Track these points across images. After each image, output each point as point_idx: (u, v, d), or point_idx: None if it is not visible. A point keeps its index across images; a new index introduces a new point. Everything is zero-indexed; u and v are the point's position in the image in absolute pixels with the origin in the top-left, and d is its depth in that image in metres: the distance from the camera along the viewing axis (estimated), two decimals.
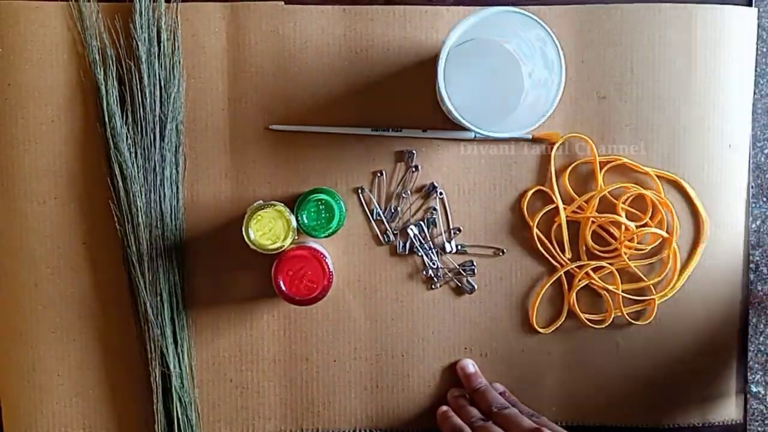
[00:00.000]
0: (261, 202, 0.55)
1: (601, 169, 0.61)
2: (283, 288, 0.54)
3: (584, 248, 0.61)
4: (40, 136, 0.58)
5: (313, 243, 0.58)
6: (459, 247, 0.61)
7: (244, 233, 0.53)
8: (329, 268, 0.54)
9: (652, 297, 0.61)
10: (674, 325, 0.62)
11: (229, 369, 0.61)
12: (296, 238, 0.55)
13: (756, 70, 0.62)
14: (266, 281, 0.60)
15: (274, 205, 0.54)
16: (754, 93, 0.63)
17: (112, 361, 0.60)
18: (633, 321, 0.62)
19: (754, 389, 0.65)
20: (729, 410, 0.63)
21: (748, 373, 0.64)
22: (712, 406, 0.63)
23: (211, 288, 0.60)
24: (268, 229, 0.54)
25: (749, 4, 0.61)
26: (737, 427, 0.64)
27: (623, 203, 0.60)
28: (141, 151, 0.57)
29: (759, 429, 0.68)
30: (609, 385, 0.62)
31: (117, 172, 0.57)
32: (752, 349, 0.65)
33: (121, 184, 0.57)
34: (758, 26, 0.62)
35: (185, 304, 0.59)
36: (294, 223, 0.54)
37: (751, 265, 0.64)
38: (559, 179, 0.61)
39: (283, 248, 0.54)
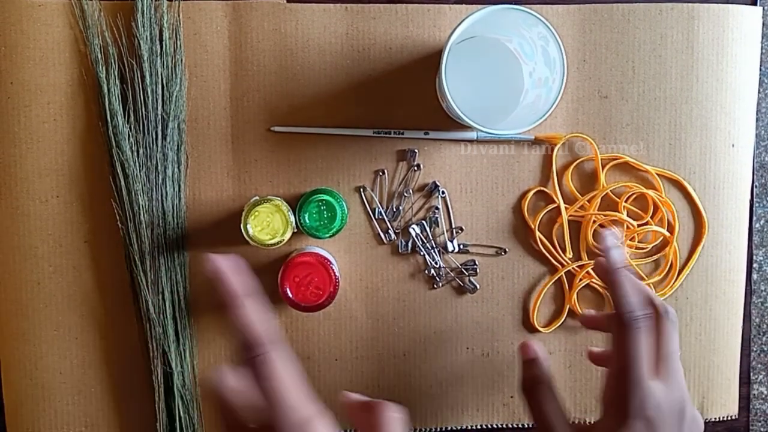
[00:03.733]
0: (257, 197, 0.55)
1: (603, 167, 0.61)
2: (290, 295, 0.54)
3: (585, 247, 0.61)
4: (42, 135, 0.58)
5: (319, 249, 0.58)
6: (461, 246, 0.61)
7: (242, 229, 0.53)
8: (336, 275, 0.54)
9: None
10: None
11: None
12: (294, 231, 0.55)
13: (760, 69, 0.62)
14: (268, 279, 0.60)
15: (271, 200, 0.54)
16: (759, 92, 0.62)
17: (114, 360, 0.60)
18: None
19: (757, 389, 0.65)
20: (730, 408, 0.63)
21: (751, 373, 0.64)
22: (712, 403, 0.63)
23: (214, 287, 0.60)
24: (266, 224, 0.54)
25: (754, 3, 0.61)
26: (738, 425, 0.64)
27: (625, 202, 0.60)
28: (143, 149, 0.57)
29: (762, 429, 0.68)
30: None
31: (119, 170, 0.57)
32: (755, 349, 0.65)
33: (123, 182, 0.57)
34: (763, 25, 0.61)
35: (187, 302, 0.60)
36: (292, 218, 0.54)
37: (755, 265, 0.64)
38: (561, 179, 0.61)
39: (282, 242, 0.54)
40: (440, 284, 0.61)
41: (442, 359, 0.62)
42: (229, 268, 0.38)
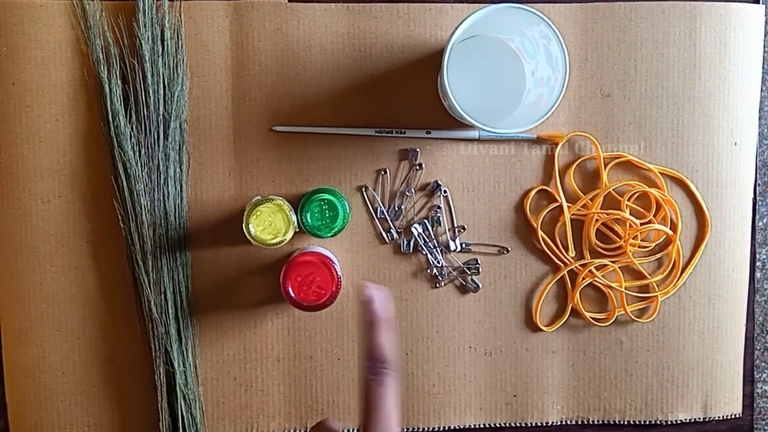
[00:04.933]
0: (259, 197, 0.55)
1: (605, 166, 0.60)
2: (292, 294, 0.53)
3: (588, 246, 0.61)
4: (44, 135, 0.58)
5: (321, 248, 0.58)
6: (463, 245, 0.61)
7: (244, 229, 0.53)
8: (338, 274, 0.54)
9: (655, 294, 0.61)
10: (678, 322, 0.62)
11: (234, 367, 0.61)
12: (296, 230, 0.55)
13: (763, 67, 0.62)
14: (270, 280, 0.60)
15: (273, 200, 0.54)
16: (762, 90, 0.62)
17: (117, 360, 0.60)
18: (636, 319, 0.62)
19: (761, 388, 0.65)
20: (733, 406, 0.63)
21: (755, 372, 0.64)
22: (715, 402, 0.63)
23: (216, 286, 0.60)
24: (268, 224, 0.54)
25: (756, 1, 0.61)
26: (742, 423, 0.63)
27: (627, 201, 0.60)
28: (145, 149, 0.57)
29: (766, 427, 0.67)
30: (613, 382, 0.62)
31: (121, 170, 0.57)
32: (759, 347, 0.65)
33: (125, 182, 0.57)
34: (766, 23, 0.61)
35: (189, 302, 0.60)
36: (294, 217, 0.54)
37: (758, 263, 0.64)
38: (564, 177, 0.61)
39: (284, 242, 0.54)
40: (442, 283, 0.61)
41: (445, 358, 0.62)
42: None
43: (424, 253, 0.61)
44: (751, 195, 0.62)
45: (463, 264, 0.61)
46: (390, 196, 0.61)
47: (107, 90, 0.57)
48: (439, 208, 0.60)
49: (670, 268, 0.62)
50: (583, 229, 0.61)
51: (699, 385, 0.63)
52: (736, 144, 0.62)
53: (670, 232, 0.61)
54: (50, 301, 0.59)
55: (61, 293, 0.59)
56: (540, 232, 0.60)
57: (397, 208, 0.60)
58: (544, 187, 0.61)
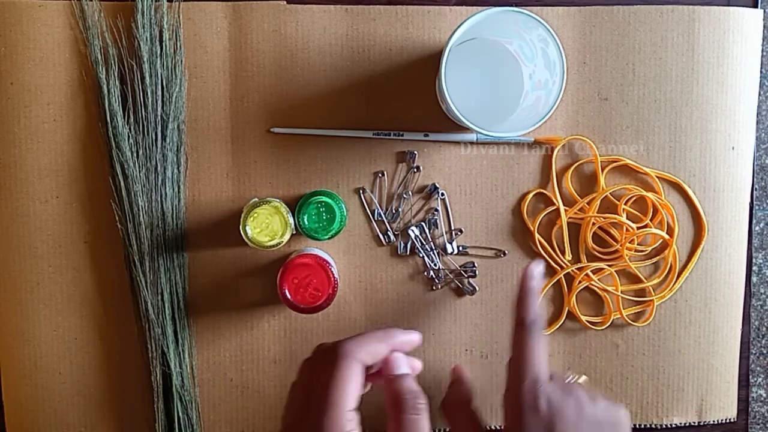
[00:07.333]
0: (256, 199, 0.55)
1: (602, 170, 0.61)
2: (288, 296, 0.54)
3: (584, 250, 0.61)
4: (42, 135, 0.58)
5: (318, 251, 0.58)
6: (460, 248, 0.61)
7: (241, 231, 0.53)
8: (334, 277, 0.54)
9: (652, 298, 0.61)
10: (674, 326, 0.62)
11: (230, 369, 0.61)
12: (293, 232, 0.55)
13: (761, 72, 0.62)
14: (267, 281, 0.60)
15: (270, 202, 0.54)
16: (759, 95, 0.62)
17: (114, 360, 0.60)
18: (632, 322, 0.62)
19: (755, 392, 0.65)
20: (728, 410, 0.63)
21: (750, 376, 0.64)
22: (711, 406, 0.63)
23: (213, 287, 0.60)
24: (265, 226, 0.54)
25: (754, 6, 0.61)
26: (737, 428, 0.64)
27: (624, 204, 0.60)
28: (142, 150, 0.57)
29: (761, 431, 0.68)
30: (608, 385, 0.62)
31: (119, 171, 0.57)
32: (754, 352, 0.65)
33: (122, 183, 0.57)
34: (763, 27, 0.61)
35: (186, 303, 0.60)
36: (291, 219, 0.54)
37: (754, 268, 0.64)
38: (561, 181, 0.61)
39: (281, 244, 0.54)
40: (439, 286, 0.61)
41: (441, 361, 0.62)
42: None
43: (421, 255, 0.61)
44: (748, 199, 0.63)
45: (460, 267, 0.61)
46: (387, 199, 0.61)
47: (105, 91, 0.57)
48: (437, 210, 0.61)
49: (666, 272, 0.62)
50: (580, 232, 0.61)
51: (694, 389, 0.63)
52: (733, 148, 0.62)
53: (667, 236, 0.61)
54: (47, 302, 0.59)
55: (58, 293, 0.59)
56: (537, 236, 0.61)
57: (394, 211, 0.60)
58: (542, 190, 0.61)
